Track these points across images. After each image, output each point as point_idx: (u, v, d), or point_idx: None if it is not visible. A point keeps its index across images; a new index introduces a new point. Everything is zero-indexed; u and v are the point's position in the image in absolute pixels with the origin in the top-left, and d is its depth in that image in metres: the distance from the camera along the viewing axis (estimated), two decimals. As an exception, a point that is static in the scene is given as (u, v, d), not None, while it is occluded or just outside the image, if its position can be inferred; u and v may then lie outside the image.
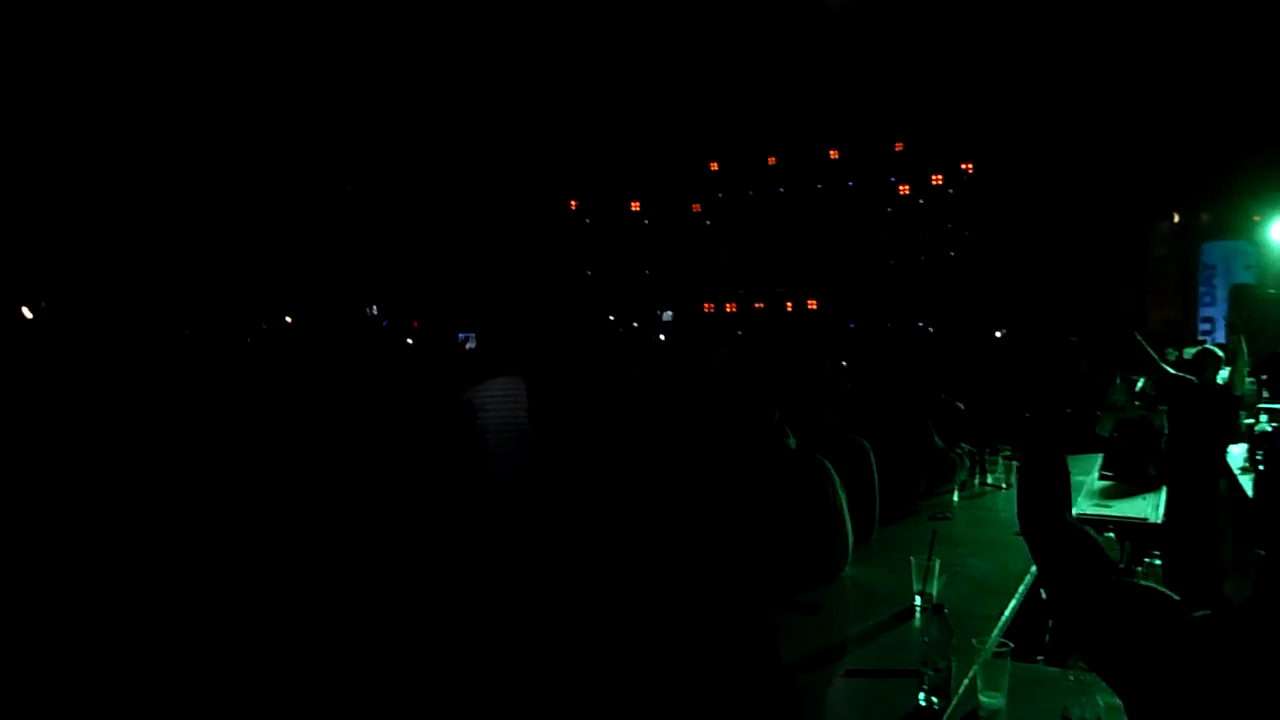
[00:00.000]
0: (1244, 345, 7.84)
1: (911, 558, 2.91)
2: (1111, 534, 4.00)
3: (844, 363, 6.20)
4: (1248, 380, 8.31)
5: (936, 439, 4.97)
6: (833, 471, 3.17)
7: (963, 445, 5.17)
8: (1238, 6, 12.47)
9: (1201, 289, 17.23)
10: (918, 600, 2.88)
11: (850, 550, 3.23)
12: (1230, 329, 8.76)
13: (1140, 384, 7.57)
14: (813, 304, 40.37)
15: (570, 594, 1.76)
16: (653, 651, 1.61)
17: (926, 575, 2.87)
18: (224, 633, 3.94)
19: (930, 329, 13.84)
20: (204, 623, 4.07)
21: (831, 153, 40.65)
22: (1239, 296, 10.67)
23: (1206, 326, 16.73)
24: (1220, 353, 7.86)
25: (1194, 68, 14.14)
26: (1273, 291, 9.83)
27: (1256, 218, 12.17)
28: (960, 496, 4.76)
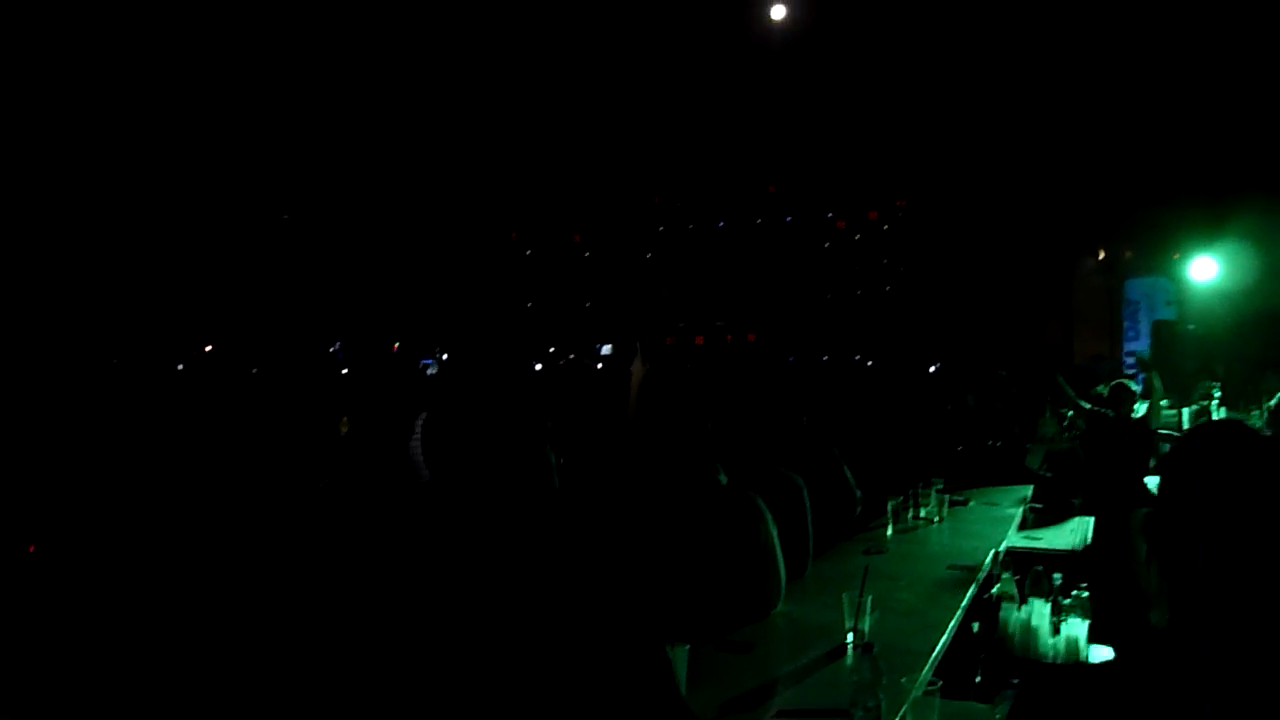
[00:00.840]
0: (1157, 380, 8.09)
1: (844, 594, 2.90)
2: (1040, 567, 4.05)
3: (782, 396, 6.21)
4: (1164, 412, 8.58)
5: (848, 474, 4.98)
6: (764, 508, 3.15)
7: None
8: (1161, 51, 12.99)
9: (1126, 324, 17.74)
10: (850, 637, 2.86)
11: (783, 587, 3.21)
12: (1141, 366, 9.04)
13: (1069, 416, 7.76)
14: (751, 337, 40.80)
15: (455, 635, 1.71)
16: (542, 692, 1.57)
17: (859, 611, 2.86)
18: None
19: (868, 362, 14.05)
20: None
21: (769, 188, 41.34)
22: (1159, 332, 11.01)
23: (1131, 361, 17.23)
24: (1135, 387, 8.10)
25: (1119, 109, 14.68)
26: (1192, 327, 10.17)
27: (1176, 255, 12.61)
28: (894, 530, 4.78)
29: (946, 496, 5.31)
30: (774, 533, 3.15)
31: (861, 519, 4.92)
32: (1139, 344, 17.57)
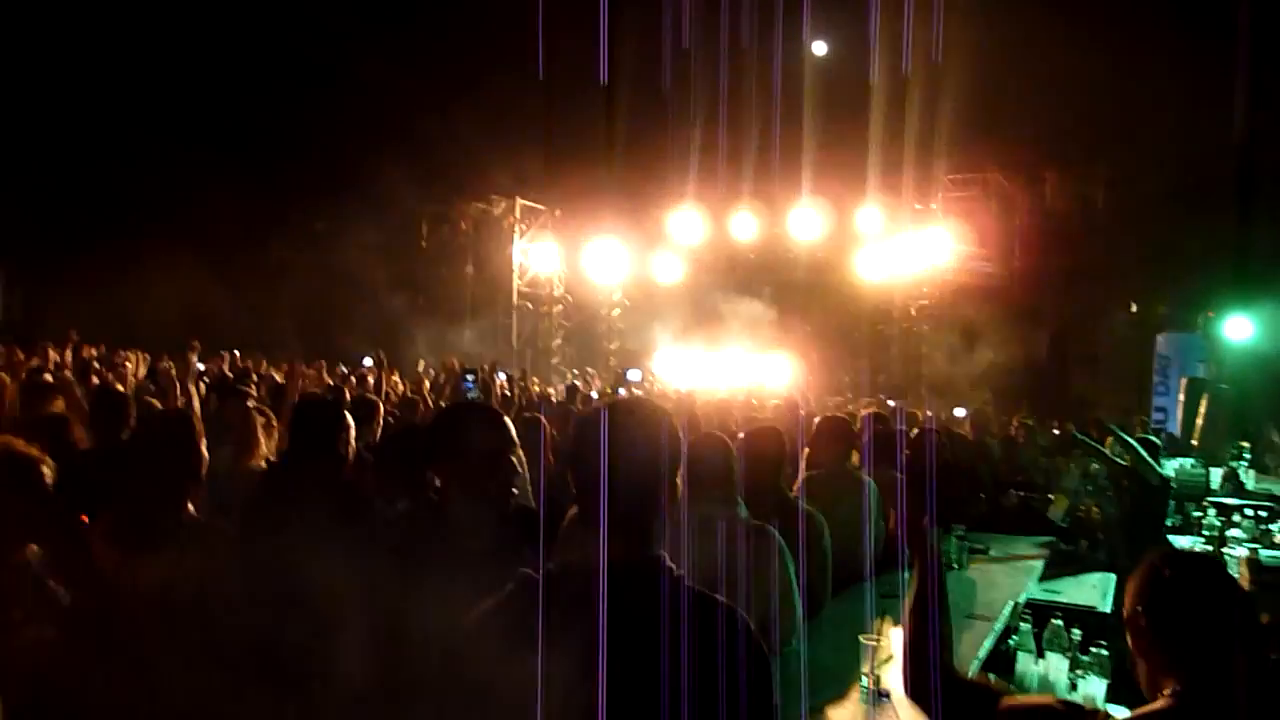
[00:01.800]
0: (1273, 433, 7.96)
1: (861, 638, 2.87)
2: (1059, 621, 3.99)
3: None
4: (1192, 471, 8.45)
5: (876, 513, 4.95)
6: (783, 544, 3.13)
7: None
8: (1188, 103, 12.93)
9: (1156, 379, 17.54)
10: (864, 681, 2.83)
11: (800, 625, 3.18)
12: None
13: (1095, 468, 7.66)
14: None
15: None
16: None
17: (874, 657, 2.83)
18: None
19: (890, 402, 14.01)
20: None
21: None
22: (1192, 390, 10.87)
23: (1160, 416, 17.02)
24: (1158, 442, 8.01)
25: (1154, 168, 14.63)
26: (1224, 387, 10.04)
27: (1210, 313, 12.46)
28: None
29: (966, 544, 5.26)
30: (792, 570, 3.13)
31: (881, 561, 4.87)
32: (1168, 399, 17.35)
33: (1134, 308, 19.28)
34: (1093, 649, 3.88)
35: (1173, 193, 14.26)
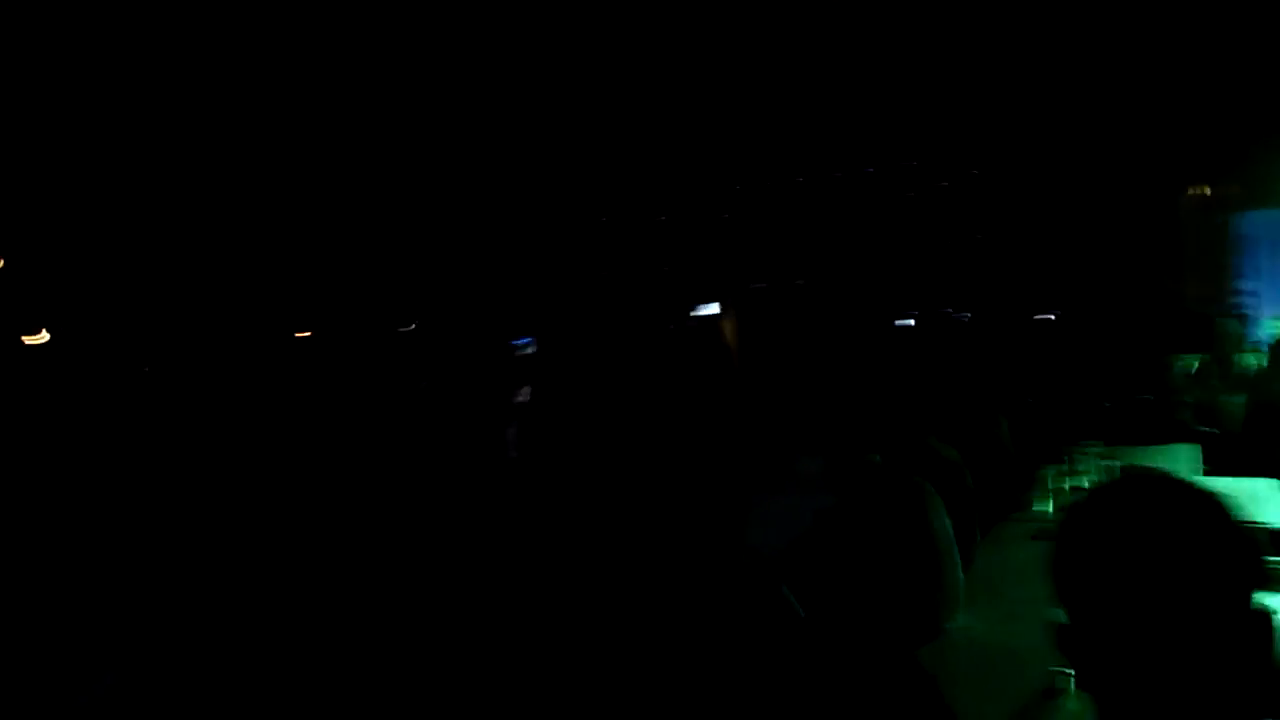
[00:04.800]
0: None
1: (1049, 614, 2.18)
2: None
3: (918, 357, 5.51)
4: None
5: (1006, 438, 4.26)
6: (933, 493, 2.45)
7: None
8: None
9: (1240, 261, 16.52)
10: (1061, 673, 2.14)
11: (961, 594, 2.50)
12: None
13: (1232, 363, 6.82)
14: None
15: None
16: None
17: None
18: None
19: (963, 317, 13.12)
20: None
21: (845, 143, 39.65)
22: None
23: (1251, 299, 16.02)
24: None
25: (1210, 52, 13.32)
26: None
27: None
28: (1055, 507, 4.02)
29: (1105, 461, 4.53)
30: (948, 524, 2.45)
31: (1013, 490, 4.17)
32: (1257, 282, 16.27)
33: (1208, 190, 18.14)
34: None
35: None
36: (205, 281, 11.90)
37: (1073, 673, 2.13)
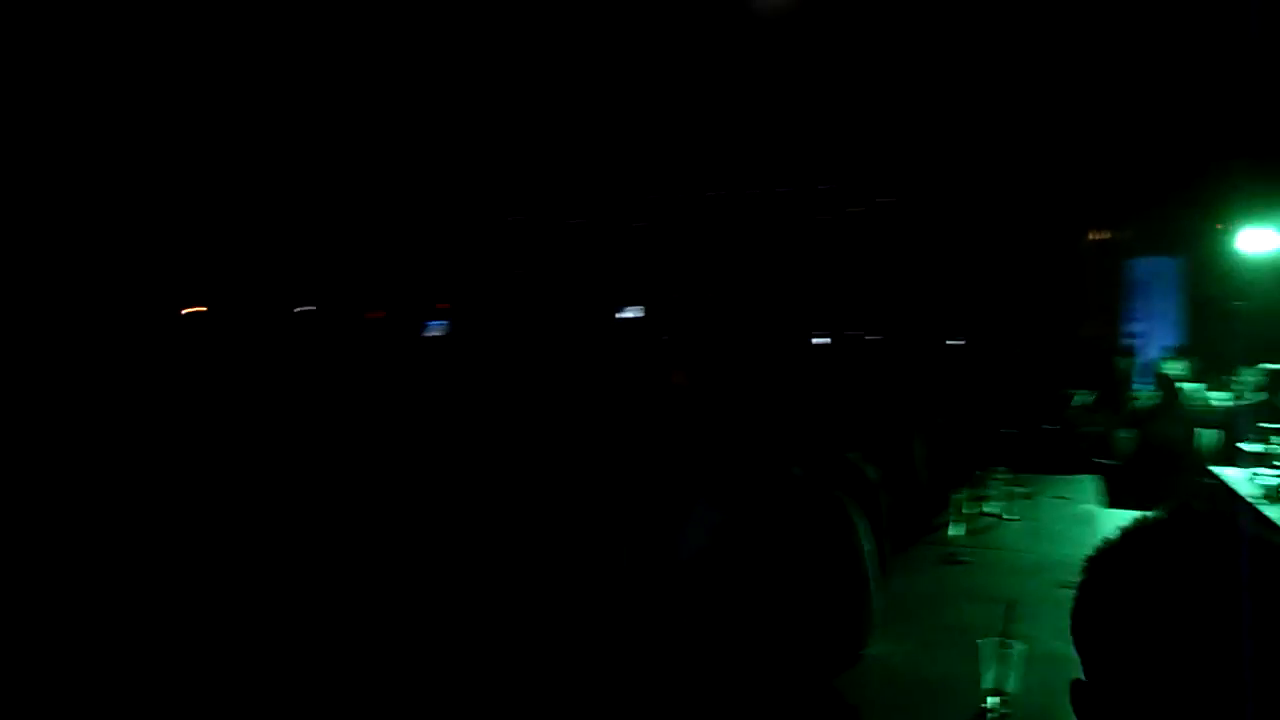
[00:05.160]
0: None
1: (978, 641, 2.04)
2: None
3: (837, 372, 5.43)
4: (1214, 396, 7.81)
5: (919, 460, 4.18)
6: (857, 509, 2.29)
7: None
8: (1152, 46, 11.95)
9: (1133, 302, 17.25)
10: (991, 701, 2.01)
11: (879, 618, 2.35)
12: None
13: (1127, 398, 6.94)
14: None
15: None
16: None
17: (1004, 663, 2.00)
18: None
19: (876, 339, 13.28)
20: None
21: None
22: (1201, 310, 10.21)
23: (1139, 341, 16.72)
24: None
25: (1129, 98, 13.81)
26: (1239, 304, 9.39)
27: (1220, 225, 11.73)
28: (964, 530, 3.94)
29: (1013, 489, 4.49)
30: (870, 544, 2.29)
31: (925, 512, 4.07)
32: (1145, 325, 16.94)
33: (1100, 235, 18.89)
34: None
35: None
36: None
37: (1000, 700, 2.00)
